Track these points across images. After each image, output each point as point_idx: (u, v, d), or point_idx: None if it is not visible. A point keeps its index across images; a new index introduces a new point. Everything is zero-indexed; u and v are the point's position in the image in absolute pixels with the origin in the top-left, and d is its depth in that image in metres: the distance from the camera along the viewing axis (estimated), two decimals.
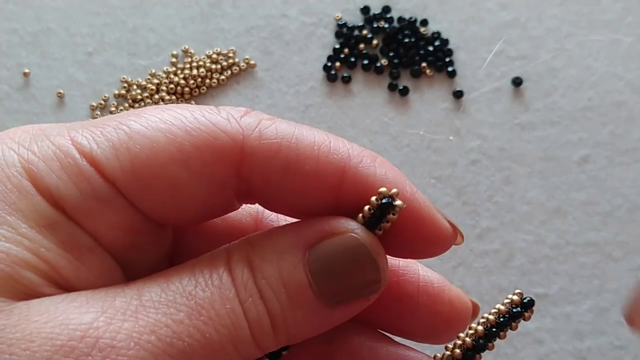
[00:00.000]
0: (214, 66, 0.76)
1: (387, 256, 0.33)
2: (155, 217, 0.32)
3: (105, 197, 0.30)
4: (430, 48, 0.76)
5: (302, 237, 0.31)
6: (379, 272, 0.31)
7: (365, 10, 0.77)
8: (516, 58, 0.75)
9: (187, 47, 0.77)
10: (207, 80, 0.76)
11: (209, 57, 0.76)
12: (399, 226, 0.32)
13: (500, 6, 0.76)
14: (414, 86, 0.75)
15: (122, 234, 0.31)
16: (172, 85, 0.76)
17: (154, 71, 0.76)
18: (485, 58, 0.75)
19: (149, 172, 0.30)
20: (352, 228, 0.31)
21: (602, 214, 0.70)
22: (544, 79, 0.74)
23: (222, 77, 0.76)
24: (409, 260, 0.37)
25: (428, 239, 0.34)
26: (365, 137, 0.73)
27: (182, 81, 0.76)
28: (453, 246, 0.35)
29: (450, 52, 0.76)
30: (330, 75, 0.75)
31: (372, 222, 0.32)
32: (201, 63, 0.76)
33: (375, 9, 0.78)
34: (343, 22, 0.77)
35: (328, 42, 0.77)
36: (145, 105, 0.74)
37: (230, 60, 0.76)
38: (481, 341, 0.34)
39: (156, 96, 0.76)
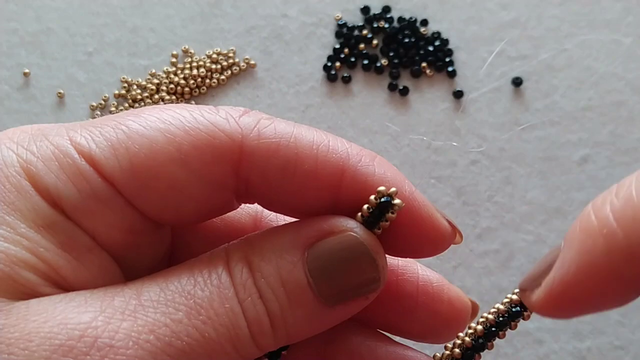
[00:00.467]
0: (214, 66, 0.76)
1: (386, 255, 0.33)
2: (154, 217, 0.32)
3: (104, 197, 0.31)
4: (430, 48, 0.76)
5: (301, 236, 0.31)
6: (378, 271, 0.32)
7: (365, 10, 0.77)
8: (516, 58, 0.75)
9: (187, 47, 0.77)
10: (207, 80, 0.76)
11: (209, 57, 0.76)
12: (397, 225, 0.33)
13: (500, 6, 0.76)
14: (414, 86, 0.75)
15: (120, 234, 0.31)
16: (172, 85, 0.76)
17: (154, 71, 0.76)
18: (485, 58, 0.75)
19: (148, 171, 0.31)
20: (351, 227, 0.32)
21: None
22: (544, 79, 0.74)
23: (222, 77, 0.76)
24: (407, 259, 0.37)
25: (427, 238, 0.34)
26: (365, 137, 0.73)
27: (182, 81, 0.76)
28: (453, 246, 0.35)
29: (450, 52, 0.76)
30: (330, 75, 0.75)
31: (371, 221, 0.32)
32: (201, 63, 0.76)
33: (375, 9, 0.78)
34: (343, 22, 0.77)
35: (328, 42, 0.77)
36: (145, 105, 0.74)
37: (230, 60, 0.76)
38: (481, 341, 0.34)
39: (156, 96, 0.76)
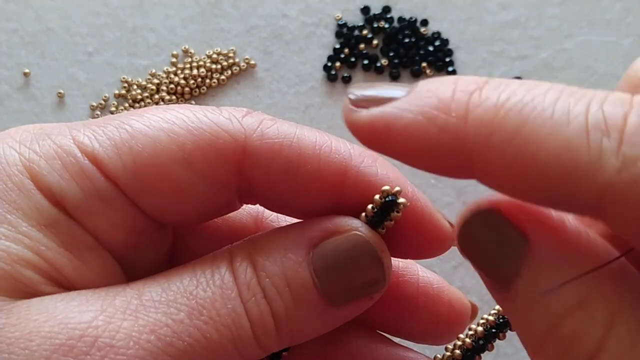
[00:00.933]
0: (214, 66, 0.76)
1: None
2: (157, 217, 0.32)
3: (106, 196, 0.31)
4: (430, 48, 0.76)
5: (306, 236, 0.31)
6: (383, 270, 0.31)
7: (365, 10, 0.77)
8: (516, 58, 0.75)
9: (187, 47, 0.77)
10: (207, 80, 0.76)
11: (209, 57, 0.76)
12: (400, 227, 0.32)
13: (500, 6, 0.76)
14: None
15: (122, 233, 0.31)
16: (172, 85, 0.76)
17: (154, 71, 0.76)
18: (485, 58, 0.75)
19: (151, 171, 0.30)
20: (356, 226, 0.31)
21: None
22: (544, 79, 0.74)
23: (222, 77, 0.76)
24: (408, 261, 0.37)
25: (429, 240, 0.33)
26: None
27: (182, 81, 0.76)
28: (453, 246, 0.35)
29: (450, 52, 0.76)
30: (331, 75, 0.75)
31: (375, 221, 0.32)
32: (201, 63, 0.76)
33: (376, 9, 0.78)
34: (343, 22, 0.77)
35: (328, 42, 0.77)
36: (145, 105, 0.74)
37: (230, 60, 0.76)
38: (481, 342, 0.34)
39: (156, 96, 0.76)
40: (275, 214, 0.37)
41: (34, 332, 0.27)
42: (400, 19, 0.77)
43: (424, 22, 0.77)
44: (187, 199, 0.32)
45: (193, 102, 0.76)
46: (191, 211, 0.32)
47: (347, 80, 0.75)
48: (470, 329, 0.35)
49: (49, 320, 0.27)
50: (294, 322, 0.31)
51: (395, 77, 0.75)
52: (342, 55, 0.76)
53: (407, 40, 0.76)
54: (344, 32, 0.77)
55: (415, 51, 0.76)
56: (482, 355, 0.35)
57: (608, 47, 0.75)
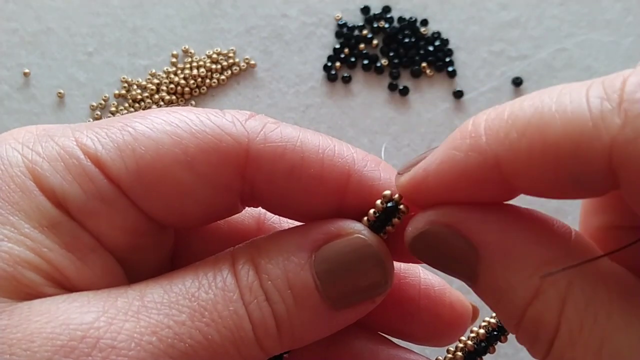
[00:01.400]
0: (214, 66, 0.76)
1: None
2: (159, 219, 0.32)
3: (109, 198, 0.31)
4: (430, 48, 0.76)
5: (308, 239, 0.31)
6: (386, 272, 0.32)
7: (365, 10, 0.77)
8: (516, 58, 0.75)
9: (187, 47, 0.77)
10: (207, 80, 0.76)
11: (209, 57, 0.76)
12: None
13: (500, 6, 0.76)
14: (414, 86, 0.75)
15: (124, 235, 0.31)
16: (172, 85, 0.76)
17: (154, 71, 0.76)
18: (485, 58, 0.75)
19: (154, 173, 0.30)
20: (359, 229, 0.32)
21: None
22: (544, 79, 0.74)
23: (222, 77, 0.76)
24: (410, 264, 0.37)
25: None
26: (365, 137, 0.73)
27: (182, 81, 0.76)
28: None
29: (450, 52, 0.76)
30: (330, 75, 0.75)
31: (377, 226, 0.32)
32: (201, 63, 0.76)
33: (375, 9, 0.78)
34: (343, 22, 0.77)
35: (328, 42, 0.77)
36: (145, 105, 0.74)
37: (230, 60, 0.76)
38: (482, 344, 0.34)
39: (156, 96, 0.76)
40: (277, 216, 0.37)
41: (35, 333, 0.27)
42: (400, 19, 0.77)
43: (424, 22, 0.77)
44: (189, 202, 0.32)
45: (193, 102, 0.76)
46: (193, 213, 0.32)
47: (347, 80, 0.75)
48: (472, 332, 0.35)
49: (51, 321, 0.27)
50: (295, 325, 0.31)
51: (395, 77, 0.75)
52: (342, 55, 0.76)
53: (407, 40, 0.77)
54: (344, 32, 0.77)
55: (415, 51, 0.76)
56: (483, 357, 0.35)
57: (608, 47, 0.75)
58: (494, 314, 0.34)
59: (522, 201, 0.29)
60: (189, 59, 0.77)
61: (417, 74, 0.76)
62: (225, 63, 0.76)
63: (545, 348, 0.28)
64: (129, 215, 0.31)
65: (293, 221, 0.36)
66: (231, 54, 0.76)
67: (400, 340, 0.38)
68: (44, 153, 0.30)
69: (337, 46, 0.76)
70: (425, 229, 0.30)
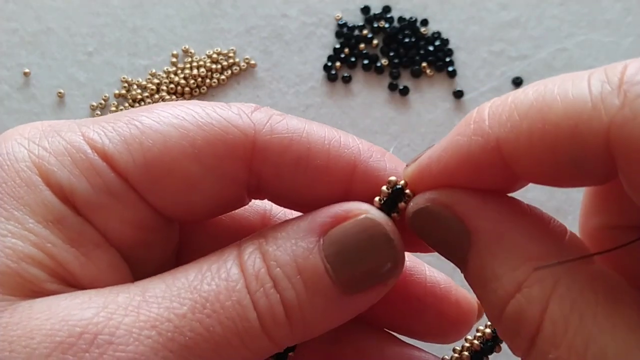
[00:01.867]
0: (214, 66, 0.76)
1: None
2: (166, 212, 0.32)
3: (116, 192, 0.31)
4: (431, 48, 0.76)
5: (316, 223, 0.31)
6: (397, 252, 0.31)
7: (365, 10, 0.77)
8: (516, 58, 0.75)
9: (187, 47, 0.77)
10: (207, 80, 0.76)
11: (209, 57, 0.76)
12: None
13: (500, 6, 0.76)
14: (414, 86, 0.75)
15: (131, 230, 0.31)
16: (172, 85, 0.76)
17: (154, 71, 0.76)
18: (485, 58, 0.75)
19: (161, 166, 0.31)
20: (366, 209, 0.31)
21: None
22: (544, 79, 0.74)
23: (222, 77, 0.76)
24: (415, 260, 0.37)
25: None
26: (365, 137, 0.72)
27: (183, 81, 0.76)
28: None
29: (450, 52, 0.76)
30: (331, 75, 0.75)
31: (383, 211, 0.32)
32: (201, 63, 0.76)
33: (376, 9, 0.78)
34: (343, 22, 0.77)
35: (328, 42, 0.77)
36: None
37: (231, 60, 0.76)
38: (489, 344, 0.34)
39: (156, 96, 0.76)
40: (283, 211, 0.37)
41: (35, 330, 0.27)
42: (400, 19, 0.77)
43: (424, 22, 0.77)
44: (196, 194, 0.32)
45: None
46: (201, 206, 0.32)
47: (347, 80, 0.75)
48: (478, 331, 0.35)
49: (51, 317, 0.27)
50: (306, 312, 0.30)
51: (395, 77, 0.75)
52: (342, 55, 0.76)
53: (407, 40, 0.77)
54: (344, 32, 0.77)
55: (415, 51, 0.76)
56: (489, 357, 0.35)
57: (608, 47, 0.75)
58: None
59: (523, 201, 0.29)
60: (189, 59, 0.77)
61: (417, 74, 0.76)
62: (225, 63, 0.76)
63: (525, 345, 0.27)
64: (137, 209, 0.31)
65: (299, 214, 0.36)
66: (231, 54, 0.76)
67: (406, 337, 0.38)
68: (51, 148, 0.31)
69: (337, 46, 0.76)
70: (425, 206, 0.30)
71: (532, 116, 0.26)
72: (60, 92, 0.74)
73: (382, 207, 0.32)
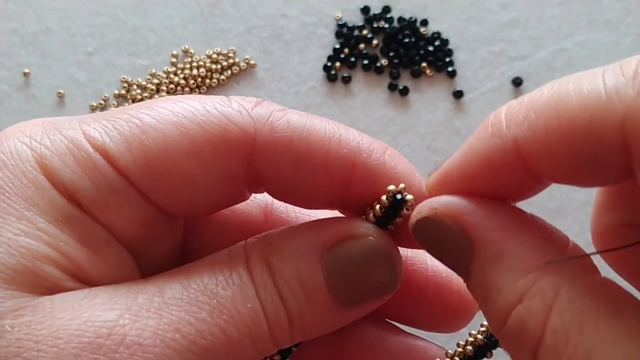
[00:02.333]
0: (214, 66, 0.76)
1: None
2: (168, 209, 0.32)
3: (119, 190, 0.31)
4: (430, 48, 0.76)
5: (320, 239, 0.32)
6: (395, 273, 0.32)
7: (365, 10, 0.77)
8: (516, 58, 0.75)
9: (187, 47, 0.77)
10: (207, 80, 0.76)
11: (209, 57, 0.76)
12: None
13: (500, 6, 0.76)
14: (414, 86, 0.75)
15: (135, 227, 0.31)
16: (172, 85, 0.76)
17: (154, 71, 0.76)
18: (485, 58, 0.75)
19: (162, 165, 0.31)
20: (370, 231, 0.32)
21: None
22: (544, 79, 0.74)
23: (222, 77, 0.76)
24: (417, 251, 0.37)
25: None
26: None
27: (182, 81, 0.76)
28: None
29: (450, 52, 0.76)
30: (330, 75, 0.75)
31: (384, 220, 0.32)
32: (201, 63, 0.76)
33: (375, 9, 0.78)
34: (343, 22, 0.77)
35: (328, 42, 0.77)
36: None
37: (230, 60, 0.76)
38: (493, 338, 0.34)
39: (156, 96, 0.76)
40: (284, 205, 0.37)
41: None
42: (400, 19, 0.77)
43: (424, 22, 0.77)
44: (197, 191, 0.32)
45: None
46: (202, 203, 0.33)
47: (347, 80, 0.75)
48: (482, 326, 0.35)
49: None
50: (306, 321, 0.31)
51: (395, 77, 0.75)
52: (342, 55, 0.76)
53: (407, 40, 0.77)
54: (344, 32, 0.77)
55: (415, 51, 0.76)
56: (492, 352, 0.35)
57: (608, 47, 0.75)
58: None
59: (523, 201, 0.29)
60: (189, 59, 0.77)
61: (417, 74, 0.76)
62: (225, 63, 0.76)
63: (527, 356, 0.27)
64: (139, 207, 0.31)
65: (300, 209, 0.36)
66: (231, 54, 0.76)
67: (408, 327, 0.38)
68: (53, 147, 0.31)
69: (337, 46, 0.76)
70: (428, 215, 0.30)
71: (548, 113, 0.27)
72: (60, 92, 0.74)
73: (383, 217, 0.32)
